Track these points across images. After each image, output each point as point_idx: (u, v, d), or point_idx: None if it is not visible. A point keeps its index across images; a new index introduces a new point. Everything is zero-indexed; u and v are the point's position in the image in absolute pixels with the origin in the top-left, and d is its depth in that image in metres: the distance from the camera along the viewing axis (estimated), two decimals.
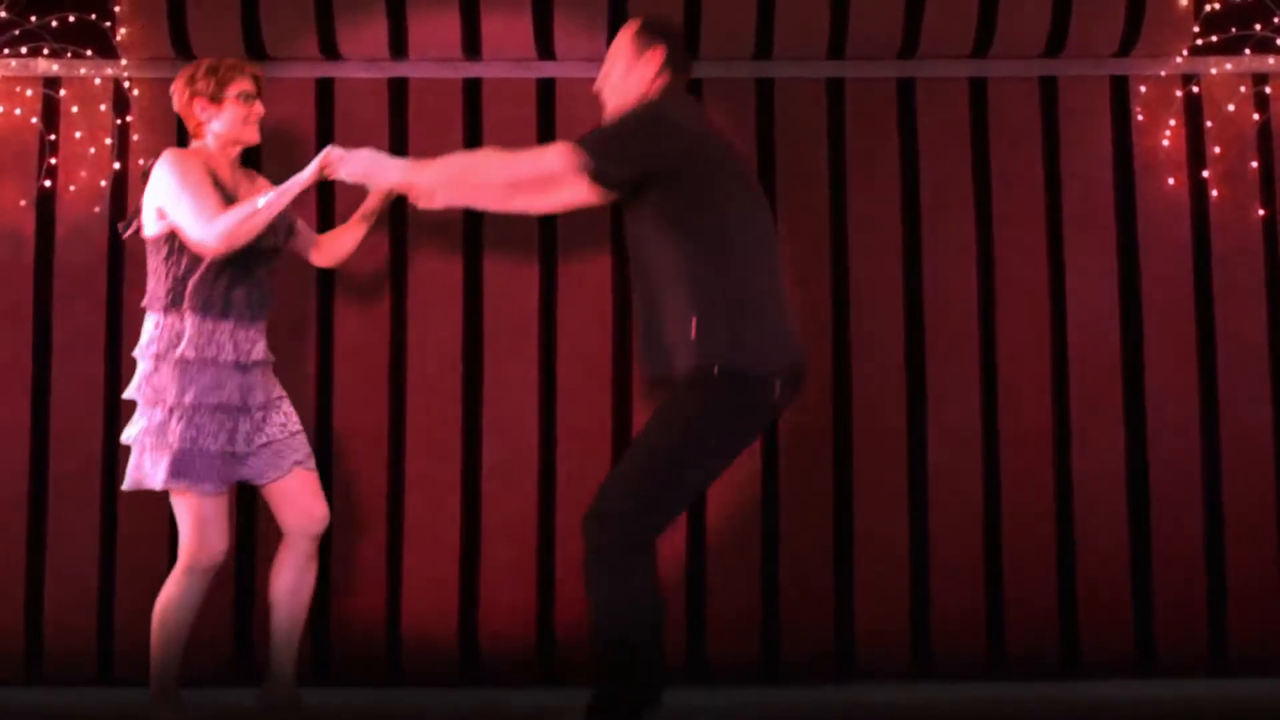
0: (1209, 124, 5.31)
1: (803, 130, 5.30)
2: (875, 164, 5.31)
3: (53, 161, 5.25)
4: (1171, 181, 5.31)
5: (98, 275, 5.22)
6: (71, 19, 5.25)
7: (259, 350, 4.37)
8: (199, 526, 4.23)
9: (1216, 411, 5.24)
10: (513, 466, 5.17)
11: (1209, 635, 5.15)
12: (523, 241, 5.24)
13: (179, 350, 4.22)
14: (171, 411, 4.21)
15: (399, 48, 5.26)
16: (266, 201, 4.21)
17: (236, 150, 4.43)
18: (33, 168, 5.24)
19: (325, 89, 5.32)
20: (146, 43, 5.24)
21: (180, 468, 4.18)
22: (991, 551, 5.16)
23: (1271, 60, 5.29)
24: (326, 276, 5.23)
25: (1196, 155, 5.33)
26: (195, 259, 4.26)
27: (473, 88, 5.31)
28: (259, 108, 4.43)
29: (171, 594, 4.27)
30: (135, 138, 5.26)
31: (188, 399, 4.20)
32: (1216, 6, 5.28)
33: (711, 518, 5.15)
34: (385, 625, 5.13)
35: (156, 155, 4.37)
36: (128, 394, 4.33)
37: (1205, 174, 5.30)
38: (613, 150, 3.72)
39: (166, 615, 4.25)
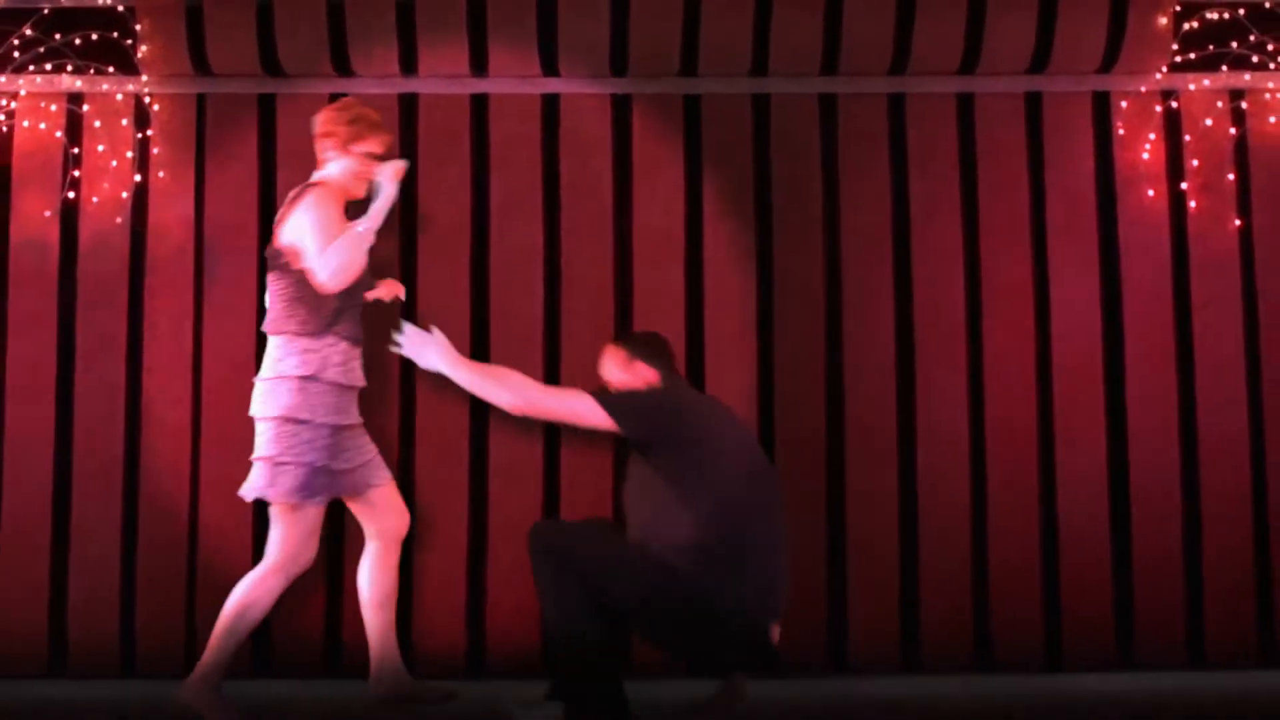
0: (1187, 138, 5.43)
1: (797, 143, 5.43)
2: (867, 176, 5.43)
3: (76, 174, 5.39)
4: (1151, 193, 5.43)
5: (119, 284, 5.36)
6: (94, 37, 5.40)
7: (362, 373, 4.52)
8: (303, 537, 4.37)
9: (1195, 415, 5.35)
10: (518, 468, 5.28)
11: (1186, 630, 5.26)
12: (528, 250, 5.37)
13: (315, 373, 4.34)
14: (307, 430, 4.33)
15: (409, 65, 5.41)
16: (365, 228, 4.35)
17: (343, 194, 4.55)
18: (57, 180, 5.38)
19: None
20: (166, 60, 5.39)
21: (308, 484, 4.32)
22: (978, 549, 5.27)
23: (1247, 76, 5.42)
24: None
25: (1175, 168, 5.44)
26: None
27: (479, 103, 5.44)
28: (375, 170, 4.51)
29: (258, 593, 4.38)
30: (155, 151, 5.40)
31: (321, 419, 4.33)
32: (1194, 25, 5.41)
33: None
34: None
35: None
36: (256, 413, 4.41)
37: (1184, 186, 5.42)
38: (629, 415, 4.03)
39: (248, 612, 4.36)
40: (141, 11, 5.37)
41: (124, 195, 5.39)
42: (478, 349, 5.35)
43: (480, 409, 5.30)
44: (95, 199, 5.39)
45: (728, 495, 3.93)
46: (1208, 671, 5.17)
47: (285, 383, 4.36)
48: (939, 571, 5.23)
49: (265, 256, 4.51)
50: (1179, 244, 5.43)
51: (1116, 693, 4.66)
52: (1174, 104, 5.45)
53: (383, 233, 5.07)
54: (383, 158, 4.56)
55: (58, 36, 5.41)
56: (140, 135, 5.42)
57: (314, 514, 4.40)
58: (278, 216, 4.48)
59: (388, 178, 4.46)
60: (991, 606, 5.25)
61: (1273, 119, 5.42)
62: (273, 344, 4.42)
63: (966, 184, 5.45)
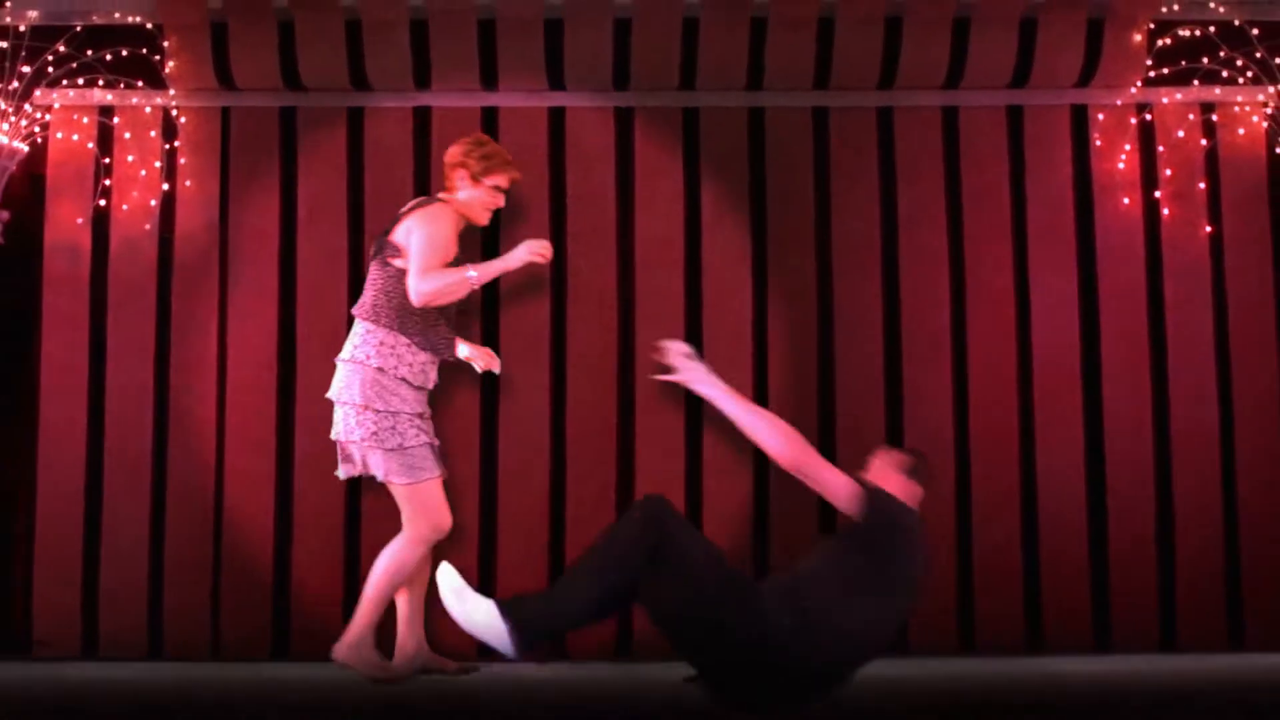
0: (1161, 149, 5.61)
1: (791, 154, 5.62)
2: (856, 185, 5.61)
3: (107, 183, 5.59)
4: (1127, 201, 5.60)
5: (148, 287, 5.56)
6: (125, 53, 5.61)
7: (435, 376, 4.73)
8: (433, 509, 4.58)
9: (1168, 411, 5.53)
10: (527, 467, 5.46)
11: (1159, 614, 5.43)
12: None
13: (388, 367, 4.55)
14: (394, 419, 4.55)
15: (423, 79, 5.60)
16: (476, 274, 4.53)
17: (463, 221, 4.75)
18: (89, 189, 5.59)
19: (355, 116, 5.64)
20: (192, 75, 5.60)
21: (418, 464, 4.55)
22: (962, 539, 5.45)
23: (1218, 91, 5.59)
24: (356, 290, 5.47)
25: (1149, 177, 5.62)
26: None
27: (490, 115, 5.63)
28: (501, 202, 4.75)
29: (400, 563, 4.56)
30: (182, 161, 5.61)
31: (400, 408, 4.55)
32: (1168, 42, 5.60)
33: (707, 510, 5.44)
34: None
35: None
36: (335, 396, 4.60)
37: (1157, 194, 5.60)
38: (883, 517, 3.93)
39: (394, 580, 4.56)
40: (169, 29, 5.57)
41: (152, 203, 5.58)
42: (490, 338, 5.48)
43: (490, 410, 5.50)
44: (125, 206, 5.59)
45: (894, 614, 3.93)
46: (1180, 654, 5.30)
47: (361, 370, 4.56)
48: (927, 573, 5.33)
49: (375, 244, 4.67)
50: (1153, 249, 5.60)
51: (1093, 674, 4.63)
52: (1148, 117, 5.63)
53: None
54: (509, 191, 4.79)
55: (90, 53, 5.60)
56: (168, 146, 5.62)
57: (433, 486, 4.59)
58: (400, 212, 4.65)
59: (528, 250, 4.59)
60: (975, 593, 5.42)
61: (1242, 131, 5.60)
62: (357, 328, 4.64)
63: (951, 192, 5.63)
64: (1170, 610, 5.47)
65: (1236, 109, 5.62)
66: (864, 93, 5.65)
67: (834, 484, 3.91)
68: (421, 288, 4.49)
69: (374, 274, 4.63)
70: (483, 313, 5.55)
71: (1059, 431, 5.52)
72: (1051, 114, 5.65)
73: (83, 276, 5.57)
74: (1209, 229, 5.60)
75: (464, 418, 5.49)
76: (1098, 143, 5.63)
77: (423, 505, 4.58)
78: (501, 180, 4.71)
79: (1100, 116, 5.63)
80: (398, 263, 4.57)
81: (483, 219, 4.75)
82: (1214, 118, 5.63)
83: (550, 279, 5.56)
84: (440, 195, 4.72)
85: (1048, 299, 5.58)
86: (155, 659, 5.39)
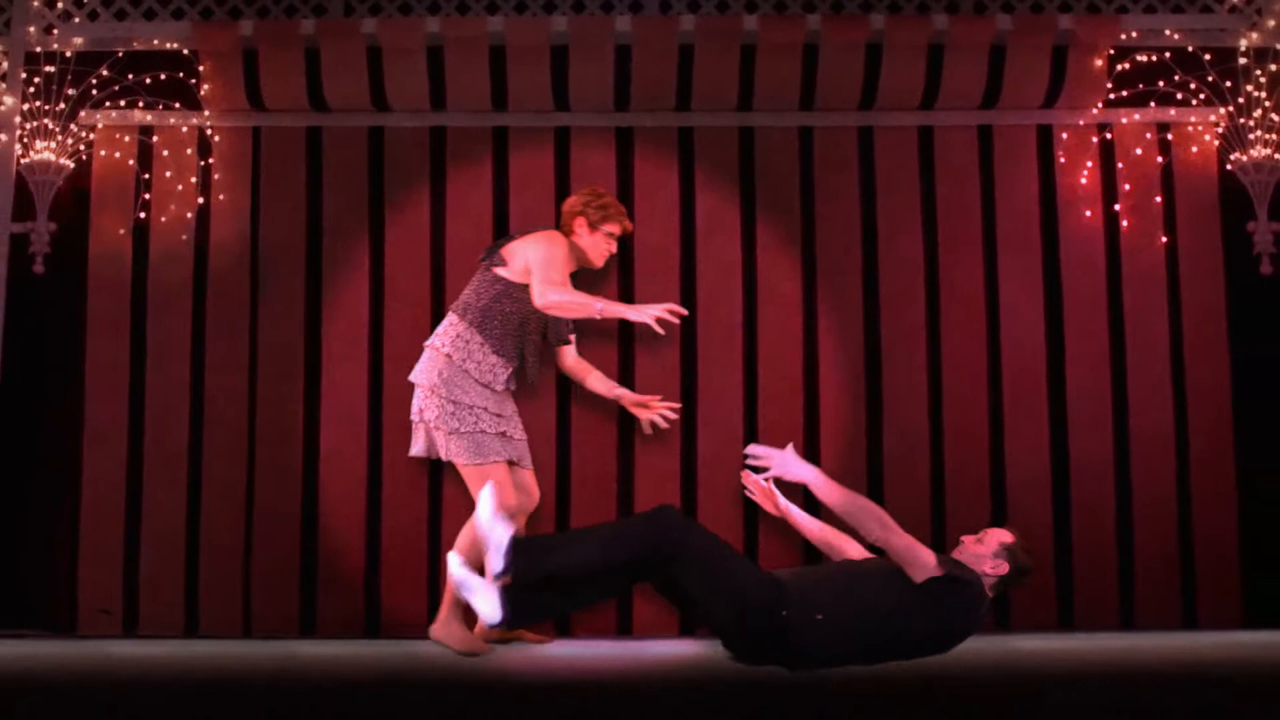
0: (1120, 165, 5.83)
1: (778, 169, 5.84)
2: (840, 197, 5.83)
3: (147, 197, 5.86)
4: (1088, 214, 5.83)
5: (185, 293, 5.81)
6: (163, 77, 5.89)
7: (505, 381, 5.10)
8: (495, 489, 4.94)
9: (1126, 407, 5.74)
10: (536, 454, 5.53)
11: (1119, 596, 5.64)
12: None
13: (457, 358, 4.93)
14: (463, 409, 4.91)
15: (438, 100, 5.87)
16: (602, 306, 4.81)
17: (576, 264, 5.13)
18: (130, 202, 5.85)
19: (376, 135, 5.91)
20: (225, 97, 5.87)
21: (482, 447, 4.89)
22: (936, 526, 5.65)
23: (1173, 111, 5.83)
24: (377, 296, 5.82)
25: (1110, 192, 5.83)
26: (520, 309, 4.96)
27: (500, 134, 5.89)
28: (614, 248, 5.10)
29: (474, 538, 4.82)
30: (216, 177, 5.87)
31: (470, 400, 4.91)
32: (1126, 67, 5.84)
33: (703, 501, 5.65)
34: (426, 585, 5.65)
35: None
36: (414, 378, 4.96)
37: (1117, 207, 5.81)
38: (953, 590, 4.16)
39: (471, 556, 4.82)
40: (204, 55, 5.83)
41: (189, 215, 5.83)
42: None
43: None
44: (164, 219, 5.85)
45: (911, 653, 4.15)
46: (1139, 633, 5.45)
47: (435, 356, 4.96)
48: None
49: (486, 251, 5.03)
50: (1113, 258, 5.80)
51: (1056, 651, 4.67)
52: (1108, 135, 5.85)
53: (415, 252, 5.62)
54: (623, 238, 5.22)
55: (131, 77, 5.86)
56: (203, 163, 5.86)
57: (495, 470, 4.92)
58: (517, 231, 5.03)
59: (662, 310, 4.76)
60: None
61: (1195, 149, 5.83)
62: (447, 318, 5.03)
63: (926, 204, 5.84)
64: (1129, 592, 5.65)
65: (1190, 128, 5.84)
66: (846, 113, 5.88)
67: (916, 553, 4.09)
68: (550, 296, 4.83)
69: (479, 277, 5.03)
70: None
71: (1026, 429, 5.74)
72: (1019, 133, 5.87)
73: (125, 283, 5.81)
74: (1164, 239, 5.81)
75: None
76: (1062, 160, 5.84)
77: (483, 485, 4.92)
78: (615, 228, 5.08)
79: (1064, 135, 5.85)
80: (500, 270, 4.96)
81: (598, 263, 5.12)
82: (1169, 137, 5.84)
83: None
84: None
85: (1016, 303, 5.78)
86: (191, 637, 5.58)
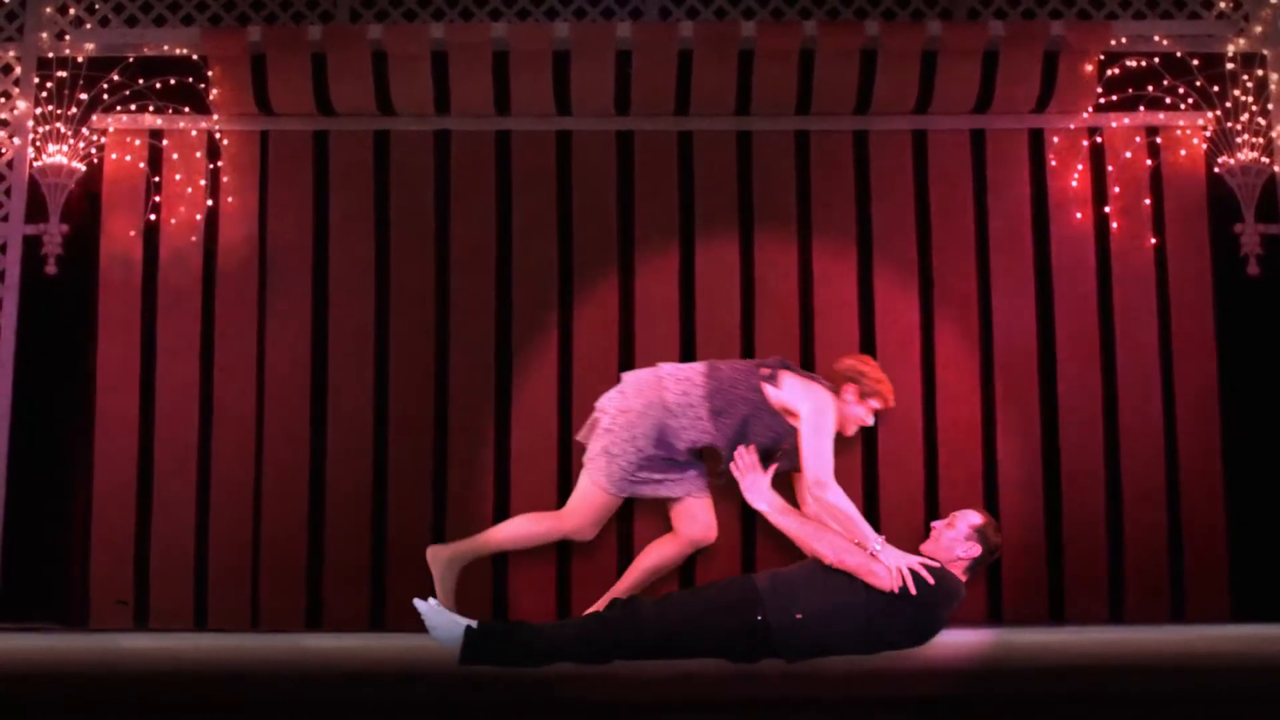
0: (1110, 168, 5.83)
1: (775, 172, 5.85)
2: (835, 200, 5.84)
3: (157, 199, 5.85)
4: (1079, 216, 5.83)
5: (194, 294, 5.81)
6: (173, 81, 5.89)
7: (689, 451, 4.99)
8: (593, 517, 4.92)
9: (1116, 404, 5.73)
10: (539, 456, 5.70)
11: (1109, 589, 5.64)
12: (546, 265, 5.76)
13: (669, 416, 4.81)
14: (635, 440, 4.83)
15: (443, 105, 5.88)
16: (880, 549, 4.36)
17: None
18: (140, 204, 5.86)
19: (381, 139, 5.91)
20: (234, 101, 5.87)
21: (611, 473, 4.85)
22: (929, 519, 5.30)
23: (1162, 116, 5.84)
24: (383, 296, 5.81)
25: (1100, 194, 5.84)
26: (753, 415, 4.78)
27: (503, 139, 5.89)
28: (870, 421, 4.94)
29: (526, 532, 4.94)
30: (225, 179, 5.87)
31: (642, 444, 4.82)
32: (1116, 72, 5.84)
33: None
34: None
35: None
36: (628, 389, 4.85)
37: (1107, 210, 5.82)
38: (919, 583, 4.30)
39: (516, 538, 4.93)
40: (213, 60, 5.84)
41: (198, 218, 5.83)
42: (501, 351, 5.73)
43: (504, 399, 5.73)
44: (173, 220, 5.85)
45: (886, 647, 4.24)
46: (1129, 627, 5.49)
47: (656, 388, 4.82)
48: (895, 540, 5.21)
49: (773, 360, 4.87)
50: (1103, 259, 5.81)
51: (1050, 644, 4.76)
52: (1099, 139, 5.86)
53: (419, 253, 5.62)
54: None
55: (141, 81, 5.87)
56: (212, 166, 5.87)
57: (610, 503, 4.90)
58: (791, 371, 4.83)
59: (907, 566, 4.34)
60: None
61: (1183, 152, 5.84)
62: (698, 365, 4.88)
63: (920, 207, 5.85)
64: (1119, 586, 5.66)
65: (1179, 132, 5.85)
66: (841, 117, 5.89)
67: (871, 576, 4.19)
68: (828, 496, 4.56)
69: (746, 366, 4.84)
70: (496, 315, 5.75)
71: (1018, 424, 5.75)
72: (1011, 137, 5.88)
73: (135, 284, 5.81)
74: (1153, 241, 5.83)
75: (480, 407, 5.72)
76: (1053, 163, 5.85)
77: (585, 504, 4.90)
78: (879, 404, 4.92)
79: (1055, 139, 5.86)
80: (767, 386, 4.78)
81: (849, 430, 4.94)
82: (1158, 140, 5.85)
83: (558, 286, 5.77)
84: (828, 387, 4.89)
85: (1008, 303, 5.79)
86: (200, 630, 5.60)
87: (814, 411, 4.73)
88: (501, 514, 5.69)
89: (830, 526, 4.43)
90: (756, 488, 4.48)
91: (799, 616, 4.20)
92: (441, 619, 4.17)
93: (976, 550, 4.41)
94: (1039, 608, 5.69)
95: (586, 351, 5.75)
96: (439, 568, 4.96)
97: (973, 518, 4.45)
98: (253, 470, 5.75)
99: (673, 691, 3.88)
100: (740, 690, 3.93)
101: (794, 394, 4.79)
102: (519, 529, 4.97)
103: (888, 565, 4.24)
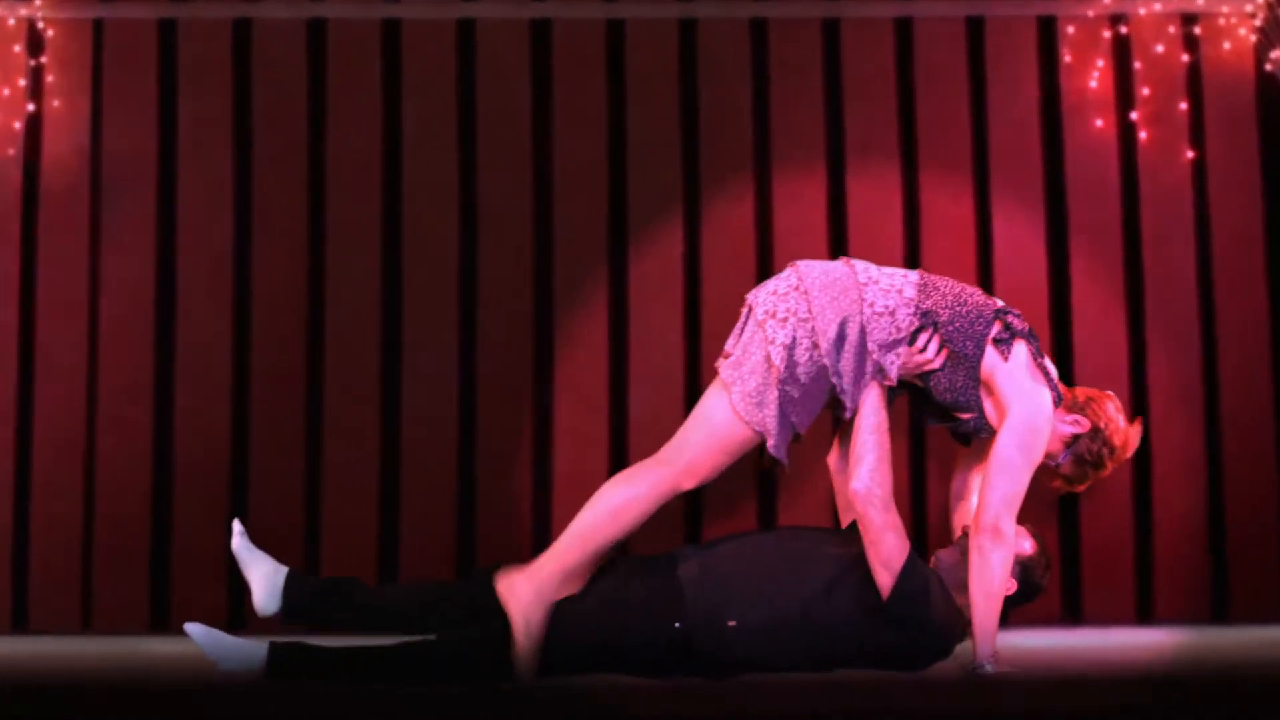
0: (1137, 65, 5.14)
1: (727, 72, 5.11)
2: (800, 106, 5.12)
3: None
4: (1099, 124, 5.14)
5: (10, 219, 5.03)
6: None
7: None
8: (712, 452, 3.64)
9: (1145, 356, 5.06)
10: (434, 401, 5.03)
11: (1135, 583, 5.01)
12: (443, 184, 5.08)
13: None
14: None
15: None
16: (992, 657, 3.55)
17: None
18: None
19: (242, 29, 5.12)
20: None
21: (761, 405, 3.59)
22: (916, 503, 5.06)
23: (1200, 0, 5.13)
24: (244, 218, 5.10)
25: (1125, 97, 5.17)
26: (937, 383, 3.68)
27: (391, 29, 5.15)
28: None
29: (627, 500, 3.61)
30: (50, 79, 5.06)
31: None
32: None
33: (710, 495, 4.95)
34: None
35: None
36: (819, 304, 3.67)
37: (1134, 116, 5.14)
38: (918, 601, 3.55)
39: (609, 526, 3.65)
40: None
41: (16, 125, 5.04)
42: (389, 288, 5.05)
43: (393, 330, 5.06)
44: None
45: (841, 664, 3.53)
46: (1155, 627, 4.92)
47: (863, 316, 3.65)
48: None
49: (1002, 321, 3.69)
50: (1128, 177, 5.14)
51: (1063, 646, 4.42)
52: (1123, 29, 5.18)
53: (288, 170, 5.01)
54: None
55: None
56: (33, 63, 5.06)
57: (744, 435, 3.65)
58: (1031, 346, 3.68)
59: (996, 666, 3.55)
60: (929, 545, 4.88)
61: (1227, 45, 5.12)
62: (909, 279, 3.75)
63: (904, 114, 5.16)
64: (1147, 578, 5.01)
65: (1221, 20, 5.14)
66: (808, 3, 5.16)
67: (897, 545, 3.45)
68: (991, 547, 3.54)
69: (975, 301, 3.71)
70: (383, 244, 5.07)
71: None
72: (1016, 26, 5.18)
73: None
74: (1190, 154, 5.13)
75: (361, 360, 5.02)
76: (1067, 59, 5.15)
77: (710, 439, 3.63)
78: (1100, 472, 3.79)
79: (1070, 29, 5.15)
80: (992, 351, 3.64)
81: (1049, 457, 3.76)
82: (1196, 30, 5.16)
83: (459, 209, 5.08)
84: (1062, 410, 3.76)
85: (1012, 233, 5.11)
86: (20, 633, 4.91)
87: (1027, 424, 3.62)
88: (386, 490, 4.96)
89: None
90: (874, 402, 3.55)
91: (732, 624, 3.40)
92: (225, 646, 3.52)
93: (1012, 589, 3.63)
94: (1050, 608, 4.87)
95: (493, 287, 5.03)
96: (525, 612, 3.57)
97: (1021, 546, 3.63)
98: (84, 435, 5.01)
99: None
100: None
101: (1015, 383, 3.64)
102: (608, 507, 3.61)
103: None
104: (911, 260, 5.08)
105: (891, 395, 3.71)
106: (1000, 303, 3.76)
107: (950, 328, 3.64)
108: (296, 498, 4.97)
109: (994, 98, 5.13)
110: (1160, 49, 5.10)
